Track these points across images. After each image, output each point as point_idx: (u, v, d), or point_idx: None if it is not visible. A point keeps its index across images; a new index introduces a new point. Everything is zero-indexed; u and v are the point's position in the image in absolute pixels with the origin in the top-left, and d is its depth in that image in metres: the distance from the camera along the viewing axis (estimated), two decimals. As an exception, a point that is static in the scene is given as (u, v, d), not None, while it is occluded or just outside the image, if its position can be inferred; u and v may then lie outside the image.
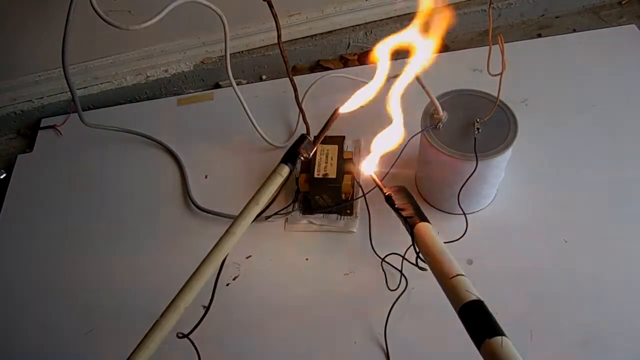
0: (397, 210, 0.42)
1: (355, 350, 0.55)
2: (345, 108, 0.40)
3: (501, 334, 0.32)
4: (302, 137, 0.38)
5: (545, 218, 0.62)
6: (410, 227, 0.41)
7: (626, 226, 0.60)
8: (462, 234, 0.58)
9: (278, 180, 0.37)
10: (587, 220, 0.61)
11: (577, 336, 0.53)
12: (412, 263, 0.54)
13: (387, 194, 0.44)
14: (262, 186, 0.37)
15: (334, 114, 0.40)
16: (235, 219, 0.35)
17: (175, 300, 0.35)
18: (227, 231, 0.36)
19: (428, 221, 0.41)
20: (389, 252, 0.60)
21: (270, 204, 0.36)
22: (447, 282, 0.36)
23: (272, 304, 0.59)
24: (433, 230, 0.40)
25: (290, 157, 0.38)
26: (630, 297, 0.55)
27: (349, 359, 0.55)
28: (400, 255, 0.56)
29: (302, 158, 0.37)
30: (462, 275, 0.36)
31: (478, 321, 0.33)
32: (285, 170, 0.37)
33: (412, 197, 0.43)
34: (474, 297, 0.34)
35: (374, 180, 0.45)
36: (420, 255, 0.40)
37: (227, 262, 0.62)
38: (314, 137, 0.39)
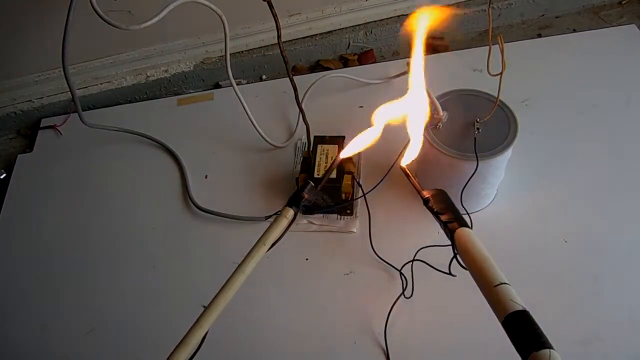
0: (436, 215, 0.41)
1: (355, 350, 0.55)
2: (344, 153, 0.43)
3: (549, 346, 0.31)
4: (306, 183, 0.41)
5: (545, 218, 0.62)
6: (450, 232, 0.39)
7: (626, 226, 0.60)
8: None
9: (284, 223, 0.40)
10: (587, 220, 0.61)
11: (577, 336, 0.53)
12: (435, 268, 0.54)
13: (425, 197, 0.42)
14: (269, 228, 0.39)
15: (335, 160, 0.43)
16: (244, 258, 0.38)
17: (186, 337, 0.35)
18: (237, 269, 0.38)
19: (468, 226, 0.39)
20: (388, 254, 0.60)
21: (275, 243, 0.39)
22: (491, 291, 0.34)
23: (271, 304, 0.59)
24: (475, 235, 0.39)
25: (294, 201, 0.41)
26: (630, 297, 0.55)
27: (349, 359, 0.55)
28: (424, 262, 0.56)
29: (306, 203, 0.41)
30: (507, 283, 0.34)
31: (524, 333, 0.32)
32: (291, 213, 0.40)
33: (451, 201, 0.42)
34: (519, 307, 0.33)
35: (412, 182, 0.44)
36: (458, 260, 0.39)
37: (227, 262, 0.63)
38: (316, 181, 0.41)
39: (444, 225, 0.40)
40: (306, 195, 0.41)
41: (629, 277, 0.57)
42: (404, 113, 0.44)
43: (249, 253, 0.38)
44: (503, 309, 0.33)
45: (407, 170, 0.44)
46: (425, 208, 0.42)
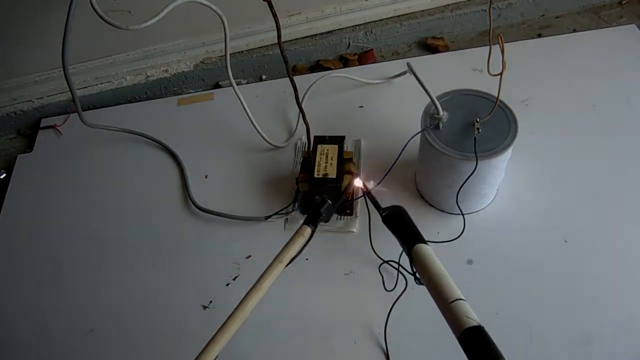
0: (394, 231, 0.41)
1: (355, 350, 0.55)
2: (359, 182, 0.45)
3: None
4: (324, 201, 0.42)
5: (545, 218, 0.62)
6: (408, 249, 0.40)
7: (626, 226, 0.60)
8: (459, 234, 0.58)
9: (301, 241, 0.40)
10: (587, 220, 0.61)
11: (577, 336, 0.53)
12: (411, 273, 0.54)
13: (384, 214, 0.43)
14: (286, 245, 0.40)
15: (350, 185, 0.45)
16: (261, 275, 0.38)
17: (203, 353, 0.35)
18: (254, 286, 0.38)
19: (426, 242, 0.40)
20: (387, 254, 0.60)
21: (292, 260, 0.40)
22: (446, 307, 0.35)
23: (271, 303, 0.59)
24: (432, 252, 0.39)
25: (312, 219, 0.41)
26: (630, 297, 0.55)
27: (349, 359, 0.55)
28: (397, 263, 0.57)
29: (322, 221, 0.42)
30: (462, 299, 0.35)
31: (479, 348, 0.33)
32: (308, 231, 0.40)
33: (410, 218, 0.42)
34: (474, 323, 0.33)
35: (371, 199, 0.44)
36: (417, 276, 0.39)
37: (227, 262, 0.63)
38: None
39: (402, 242, 0.40)
40: (324, 214, 0.41)
41: (629, 277, 0.57)
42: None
43: (266, 270, 0.38)
44: (459, 325, 0.33)
45: (367, 187, 0.45)
46: (386, 222, 0.42)
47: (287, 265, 0.39)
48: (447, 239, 0.58)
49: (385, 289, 0.57)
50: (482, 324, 0.33)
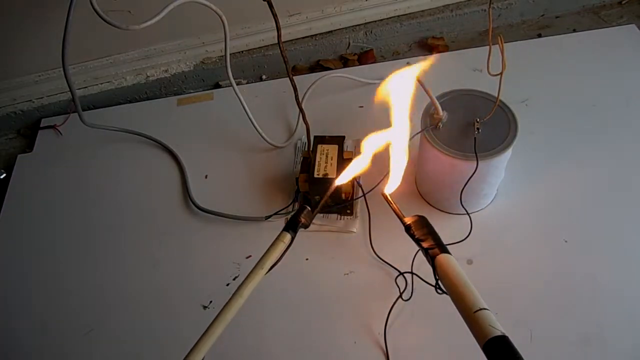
0: (418, 241, 0.42)
1: (355, 350, 0.55)
2: (340, 180, 0.44)
3: None
4: (302, 207, 0.42)
5: (545, 218, 0.62)
6: (432, 259, 0.40)
7: (626, 226, 0.60)
8: (466, 235, 0.58)
9: (281, 247, 0.40)
10: (587, 220, 0.61)
11: (577, 336, 0.53)
12: (429, 284, 0.54)
13: (407, 224, 0.43)
14: (266, 252, 0.40)
15: (331, 186, 0.44)
16: (242, 282, 0.39)
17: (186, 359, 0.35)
18: (235, 293, 0.38)
19: (449, 252, 0.40)
20: (388, 254, 0.60)
21: (273, 266, 0.40)
22: (471, 316, 0.35)
23: (272, 304, 0.59)
24: (455, 262, 0.40)
25: (291, 225, 0.41)
26: (630, 297, 0.55)
27: (349, 359, 0.55)
28: (414, 274, 0.57)
29: (302, 227, 0.42)
30: (486, 309, 0.35)
31: (504, 358, 0.33)
32: (288, 237, 0.41)
33: (432, 227, 0.43)
34: (499, 333, 0.33)
35: (394, 209, 0.44)
36: (440, 285, 0.40)
37: (227, 262, 0.63)
38: (313, 207, 0.42)
39: (425, 252, 0.41)
40: (303, 220, 0.42)
41: (628, 277, 0.57)
42: (387, 142, 0.45)
43: (247, 277, 0.39)
44: (483, 335, 0.34)
45: (388, 197, 0.45)
46: (409, 232, 0.43)
47: (267, 272, 0.39)
48: (447, 239, 0.57)
49: (402, 298, 0.57)
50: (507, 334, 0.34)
